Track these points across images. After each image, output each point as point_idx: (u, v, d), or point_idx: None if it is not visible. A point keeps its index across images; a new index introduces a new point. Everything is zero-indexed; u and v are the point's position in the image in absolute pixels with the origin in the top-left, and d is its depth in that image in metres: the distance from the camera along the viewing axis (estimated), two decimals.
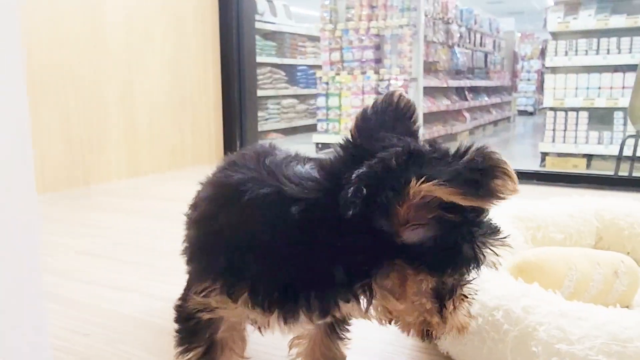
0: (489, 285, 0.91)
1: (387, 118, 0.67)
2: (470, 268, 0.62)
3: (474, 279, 0.67)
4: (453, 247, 0.59)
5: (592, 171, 5.36)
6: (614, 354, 0.71)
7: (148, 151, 3.14)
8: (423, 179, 0.53)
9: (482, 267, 0.62)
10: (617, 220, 1.36)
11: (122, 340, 1.10)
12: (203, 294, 0.70)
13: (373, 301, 0.63)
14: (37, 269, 0.65)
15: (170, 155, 3.27)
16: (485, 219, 0.61)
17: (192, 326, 0.76)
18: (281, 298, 0.64)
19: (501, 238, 0.62)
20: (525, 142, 8.45)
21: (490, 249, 0.61)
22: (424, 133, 6.47)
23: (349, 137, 0.66)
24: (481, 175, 0.53)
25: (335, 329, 0.87)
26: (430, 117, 7.04)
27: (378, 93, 6.19)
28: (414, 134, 0.68)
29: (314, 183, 0.62)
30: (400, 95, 0.68)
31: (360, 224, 0.58)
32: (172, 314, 0.81)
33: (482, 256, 0.61)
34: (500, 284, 0.90)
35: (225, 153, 3.22)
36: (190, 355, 0.77)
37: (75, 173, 2.75)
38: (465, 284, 0.67)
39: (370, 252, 0.60)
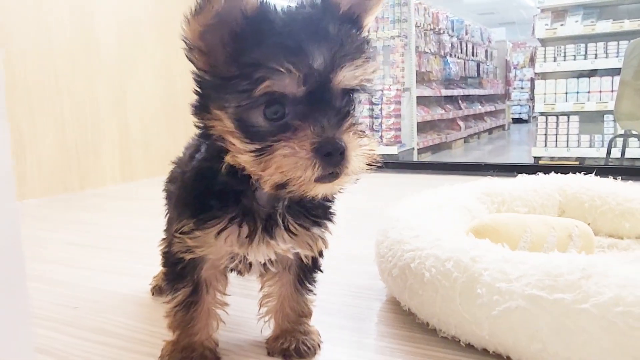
0: (442, 242, 0.97)
1: None
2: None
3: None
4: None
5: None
6: (547, 287, 0.78)
7: (141, 156, 3.23)
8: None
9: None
10: (579, 194, 1.43)
11: (108, 311, 1.16)
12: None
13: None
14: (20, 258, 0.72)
15: (163, 159, 3.33)
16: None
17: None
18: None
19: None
20: (520, 149, 8.51)
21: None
22: (419, 142, 6.56)
23: None
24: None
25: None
26: (424, 126, 7.12)
27: (372, 103, 6.29)
28: None
29: None
30: None
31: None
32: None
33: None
34: (453, 240, 0.97)
35: None
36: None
37: (71, 178, 2.83)
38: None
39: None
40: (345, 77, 0.67)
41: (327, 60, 0.66)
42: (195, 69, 0.72)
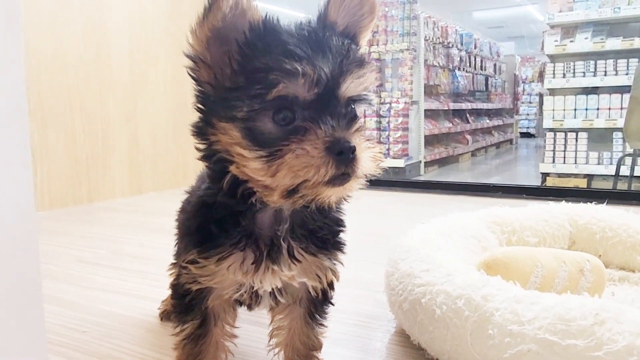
0: (454, 278, 0.97)
1: None
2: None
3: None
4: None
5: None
6: (559, 332, 0.78)
7: (150, 170, 3.25)
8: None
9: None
10: (590, 225, 1.42)
11: (116, 336, 1.17)
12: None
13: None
14: (36, 275, 0.73)
15: (172, 174, 3.37)
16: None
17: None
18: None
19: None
20: (527, 164, 8.49)
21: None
22: (426, 155, 6.57)
23: None
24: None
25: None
26: (432, 140, 7.11)
27: (380, 116, 6.31)
28: None
29: None
30: None
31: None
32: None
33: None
34: (464, 276, 0.97)
35: None
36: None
37: (80, 191, 2.85)
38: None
39: None
40: (352, 84, 0.69)
41: (336, 67, 0.68)
42: (197, 86, 0.73)
